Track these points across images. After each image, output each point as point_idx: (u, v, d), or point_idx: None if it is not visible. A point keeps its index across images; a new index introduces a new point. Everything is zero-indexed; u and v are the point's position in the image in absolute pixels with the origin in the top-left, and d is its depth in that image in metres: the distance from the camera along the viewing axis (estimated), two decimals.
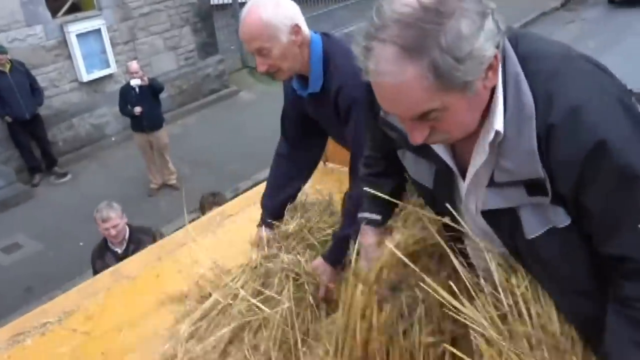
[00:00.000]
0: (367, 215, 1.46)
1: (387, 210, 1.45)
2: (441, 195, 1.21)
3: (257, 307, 1.86)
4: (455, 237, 1.26)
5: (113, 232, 3.73)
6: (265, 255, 2.09)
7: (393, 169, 1.38)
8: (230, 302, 1.96)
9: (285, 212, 2.23)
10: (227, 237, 2.51)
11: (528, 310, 1.13)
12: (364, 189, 1.43)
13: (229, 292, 2.01)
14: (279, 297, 1.87)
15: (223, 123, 8.47)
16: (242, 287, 1.98)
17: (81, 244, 5.51)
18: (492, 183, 1.06)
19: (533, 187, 1.01)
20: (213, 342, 1.84)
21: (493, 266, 1.16)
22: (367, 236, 1.44)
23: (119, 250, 3.79)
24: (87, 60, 7.59)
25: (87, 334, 2.05)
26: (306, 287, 1.91)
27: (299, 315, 1.87)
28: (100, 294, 2.23)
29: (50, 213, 6.58)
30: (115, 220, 3.73)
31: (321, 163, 3.04)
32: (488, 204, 1.10)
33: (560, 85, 0.97)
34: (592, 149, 0.93)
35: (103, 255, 3.81)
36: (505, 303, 1.14)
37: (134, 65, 6.38)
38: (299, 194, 2.29)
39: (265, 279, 1.99)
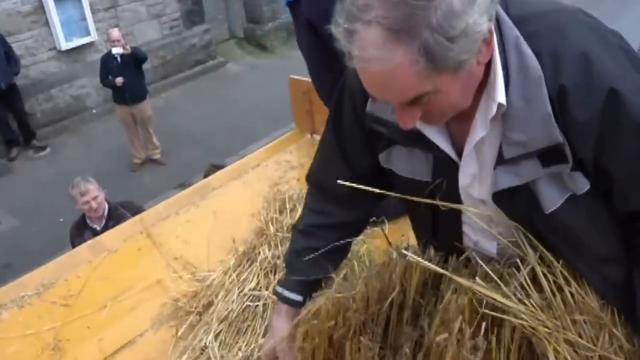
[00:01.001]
0: (285, 294, 1.38)
1: (311, 288, 1.36)
2: (443, 185, 1.14)
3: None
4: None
5: (94, 204, 3.73)
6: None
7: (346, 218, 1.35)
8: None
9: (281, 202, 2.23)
10: (210, 211, 2.54)
11: (560, 288, 1.09)
12: (295, 249, 1.39)
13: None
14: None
15: (209, 96, 8.44)
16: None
17: (61, 220, 5.52)
18: (500, 161, 1.02)
19: (548, 156, 0.98)
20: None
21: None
22: (281, 319, 1.38)
23: (98, 227, 3.80)
24: (66, 27, 7.50)
25: (69, 307, 2.09)
26: None
27: None
28: (80, 268, 2.26)
29: (29, 188, 6.58)
30: (94, 192, 3.74)
31: (308, 135, 3.08)
32: (499, 184, 1.04)
33: (563, 41, 0.95)
34: (606, 100, 0.91)
35: (82, 233, 3.82)
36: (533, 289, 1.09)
37: (115, 32, 6.32)
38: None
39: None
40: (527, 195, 1.04)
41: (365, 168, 1.26)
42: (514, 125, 0.98)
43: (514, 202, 1.06)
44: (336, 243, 1.33)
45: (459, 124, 1.05)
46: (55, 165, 7.03)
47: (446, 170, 1.12)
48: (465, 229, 1.21)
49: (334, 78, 2.27)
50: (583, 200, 1.02)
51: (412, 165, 1.16)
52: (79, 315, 2.04)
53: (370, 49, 0.85)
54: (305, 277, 1.35)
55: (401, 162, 1.18)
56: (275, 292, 1.41)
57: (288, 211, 2.21)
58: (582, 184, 1.01)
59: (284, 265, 1.41)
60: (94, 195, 3.72)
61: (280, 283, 1.42)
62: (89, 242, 2.38)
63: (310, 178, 1.42)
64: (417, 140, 1.09)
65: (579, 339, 1.06)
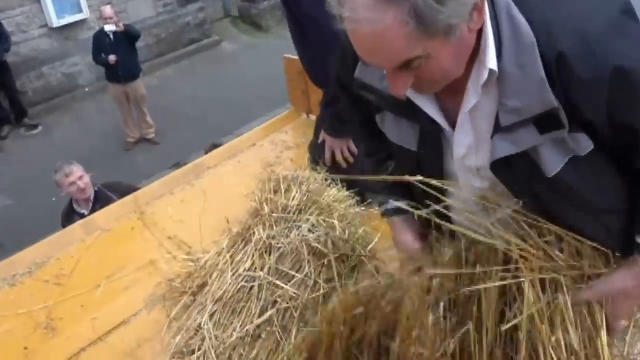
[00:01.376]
0: (392, 204, 1.34)
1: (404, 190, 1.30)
2: (428, 157, 1.16)
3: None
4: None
5: (81, 184, 3.66)
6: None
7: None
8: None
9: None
10: (205, 190, 2.54)
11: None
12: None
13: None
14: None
15: (204, 75, 8.39)
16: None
17: (53, 199, 5.50)
18: (497, 129, 1.03)
19: (544, 122, 0.99)
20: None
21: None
22: (402, 231, 1.35)
23: (86, 212, 3.70)
24: (57, 3, 7.42)
25: (61, 285, 2.09)
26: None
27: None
28: (72, 247, 2.26)
29: (21, 167, 6.55)
30: (78, 172, 3.68)
31: (304, 115, 3.07)
32: (497, 152, 1.05)
33: (557, 8, 0.96)
34: (614, 73, 0.92)
35: (71, 219, 3.73)
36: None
37: (107, 9, 6.26)
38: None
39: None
40: (526, 163, 1.04)
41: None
42: (509, 92, 0.99)
43: (513, 171, 1.07)
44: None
45: (451, 96, 1.06)
46: (47, 144, 7.00)
47: (432, 142, 1.13)
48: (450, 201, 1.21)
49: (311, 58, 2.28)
50: (586, 160, 1.03)
51: (400, 133, 1.18)
52: (72, 294, 2.05)
53: (360, 10, 0.87)
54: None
55: (391, 128, 1.20)
56: (383, 213, 1.38)
57: (282, 191, 2.20)
58: (585, 145, 1.02)
59: (374, 195, 1.41)
60: (79, 175, 3.67)
61: (380, 204, 1.40)
62: (81, 221, 2.38)
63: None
64: (404, 110, 1.10)
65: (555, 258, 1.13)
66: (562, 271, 1.14)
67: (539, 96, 0.96)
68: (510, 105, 0.99)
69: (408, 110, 1.10)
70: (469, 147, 1.10)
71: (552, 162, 1.03)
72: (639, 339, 1.82)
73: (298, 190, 2.19)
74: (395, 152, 1.25)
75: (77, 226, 2.36)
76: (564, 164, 1.03)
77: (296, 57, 2.85)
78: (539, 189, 1.08)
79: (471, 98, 1.02)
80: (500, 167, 1.07)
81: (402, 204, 1.25)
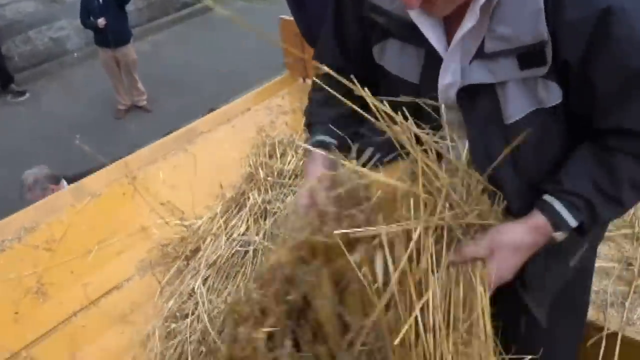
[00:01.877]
0: (318, 137, 1.29)
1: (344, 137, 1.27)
2: (427, 85, 1.14)
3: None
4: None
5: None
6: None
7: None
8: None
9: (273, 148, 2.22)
10: (198, 156, 2.54)
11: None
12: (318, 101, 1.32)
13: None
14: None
15: (197, 41, 8.29)
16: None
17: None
18: (479, 54, 1.04)
19: (527, 58, 1.00)
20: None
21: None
22: (315, 163, 1.26)
23: None
24: None
25: (52, 251, 2.10)
26: None
27: None
28: (62, 212, 2.26)
29: (9, 135, 6.51)
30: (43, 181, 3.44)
31: (300, 79, 3.05)
32: (470, 78, 1.06)
33: None
34: (602, 14, 0.94)
35: None
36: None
37: None
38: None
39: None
40: (490, 100, 1.06)
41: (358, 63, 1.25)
42: (503, 17, 0.99)
43: (476, 104, 1.08)
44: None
45: (456, 23, 1.05)
46: (36, 112, 6.95)
47: (435, 72, 1.12)
48: None
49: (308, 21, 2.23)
50: (547, 115, 1.06)
51: (402, 63, 1.17)
52: (63, 259, 2.05)
53: None
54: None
55: (393, 57, 1.18)
56: (307, 143, 1.31)
57: (278, 156, 2.20)
58: (554, 97, 1.04)
59: (307, 125, 1.35)
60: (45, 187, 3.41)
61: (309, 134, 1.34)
62: (71, 186, 2.37)
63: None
64: (411, 34, 1.10)
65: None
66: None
67: (532, 26, 0.97)
68: (499, 32, 1.00)
69: (415, 34, 1.09)
70: (454, 73, 1.10)
71: (515, 109, 1.05)
72: (639, 304, 1.85)
73: (294, 155, 2.19)
74: (392, 88, 1.20)
75: (66, 192, 2.36)
76: (526, 114, 1.05)
77: (292, 18, 2.82)
78: (492, 133, 1.09)
79: (468, 22, 1.02)
80: (466, 97, 1.09)
81: (328, 138, 1.27)
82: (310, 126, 1.35)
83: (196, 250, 1.93)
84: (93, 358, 1.70)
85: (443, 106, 1.12)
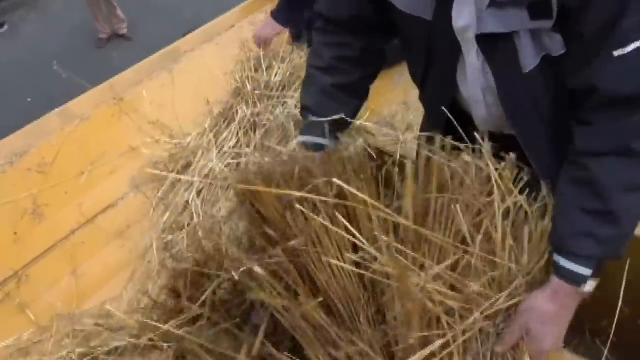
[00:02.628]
0: (314, 140, 1.29)
1: (337, 130, 1.29)
2: (441, 23, 1.11)
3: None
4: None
5: None
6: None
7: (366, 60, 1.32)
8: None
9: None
10: (184, 75, 2.52)
11: None
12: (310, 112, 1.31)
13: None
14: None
15: None
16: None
17: (29, 99, 5.44)
18: (492, 3, 1.02)
19: (537, 9, 0.99)
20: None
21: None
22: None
23: None
24: None
25: (45, 174, 2.11)
26: None
27: None
28: (52, 135, 2.26)
29: None
30: None
31: None
32: (486, 26, 1.05)
33: None
34: None
35: None
36: None
37: None
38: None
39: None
40: (509, 48, 1.06)
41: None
42: None
43: (496, 50, 1.08)
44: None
45: None
46: (16, 44, 6.78)
47: (448, 9, 1.09)
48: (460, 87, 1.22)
49: None
50: (556, 64, 1.05)
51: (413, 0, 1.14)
52: (56, 182, 2.08)
53: None
54: (335, 113, 1.29)
55: None
56: (300, 144, 1.32)
57: (264, 69, 2.19)
58: (559, 47, 1.04)
59: (302, 109, 1.35)
60: None
61: (302, 132, 1.34)
62: (57, 110, 2.36)
63: (319, 13, 1.35)
64: None
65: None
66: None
67: None
68: None
69: None
70: (470, 17, 1.07)
71: (530, 57, 1.06)
72: None
73: (280, 67, 2.18)
74: (403, 30, 1.23)
75: (53, 115, 2.34)
76: (539, 62, 1.06)
77: None
78: (515, 81, 1.09)
79: None
80: (486, 42, 1.08)
81: (324, 141, 1.27)
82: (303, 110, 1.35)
83: (188, 165, 1.95)
84: (93, 273, 1.75)
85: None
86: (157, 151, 2.10)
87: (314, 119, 1.30)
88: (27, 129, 2.29)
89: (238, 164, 1.90)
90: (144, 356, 1.38)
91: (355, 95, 1.35)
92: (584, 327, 1.69)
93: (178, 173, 1.92)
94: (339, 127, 1.30)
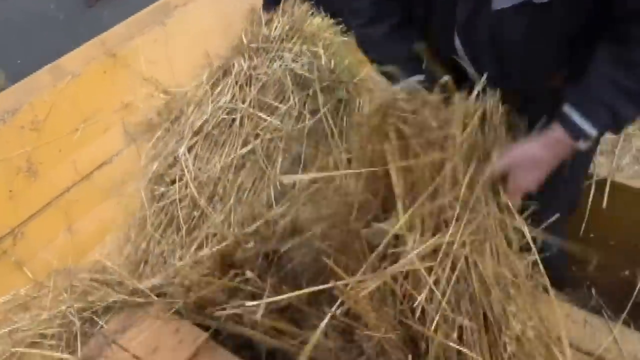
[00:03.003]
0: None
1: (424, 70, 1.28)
2: None
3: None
4: None
5: None
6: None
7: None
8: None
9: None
10: (178, 28, 2.46)
11: None
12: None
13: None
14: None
15: None
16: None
17: (18, 61, 5.35)
18: None
19: None
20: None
21: None
22: None
23: None
24: None
25: (38, 131, 2.08)
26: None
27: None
28: (44, 92, 2.21)
29: None
30: None
31: None
32: None
33: None
34: None
35: None
36: None
37: None
38: None
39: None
40: None
41: None
42: None
43: None
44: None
45: None
46: (5, 4, 6.64)
47: None
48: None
49: None
50: (537, 11, 1.04)
51: None
52: (50, 139, 2.05)
53: None
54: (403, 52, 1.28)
55: None
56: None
57: (263, 22, 2.13)
58: None
59: (382, 73, 1.33)
60: None
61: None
62: (48, 66, 2.30)
63: None
64: None
65: None
66: None
67: None
68: None
69: None
70: None
71: None
72: (628, 151, 1.88)
73: (279, 20, 2.12)
74: None
75: (44, 72, 2.29)
76: (515, 5, 1.04)
77: None
78: (480, 17, 1.08)
79: None
80: None
81: (414, 80, 1.24)
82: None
83: (181, 115, 1.91)
84: (88, 228, 1.74)
85: None
86: (152, 106, 2.07)
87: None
88: (18, 85, 2.24)
89: None
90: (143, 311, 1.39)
91: (411, 30, 1.31)
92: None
93: (171, 122, 1.89)
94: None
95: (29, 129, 2.09)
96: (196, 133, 1.86)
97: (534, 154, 1.11)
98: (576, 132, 1.07)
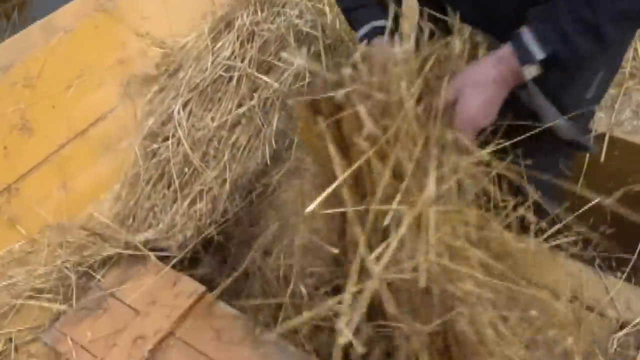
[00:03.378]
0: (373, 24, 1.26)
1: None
2: None
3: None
4: None
5: None
6: None
7: None
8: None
9: None
10: None
11: None
12: None
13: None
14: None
15: None
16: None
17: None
18: None
19: None
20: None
21: None
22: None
23: None
24: None
25: (31, 87, 2.05)
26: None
27: None
28: (35, 49, 2.17)
29: None
30: None
31: None
32: None
33: None
34: None
35: None
36: None
37: None
38: None
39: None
40: None
41: None
42: None
43: None
44: None
45: None
46: None
47: None
48: None
49: None
50: None
51: None
52: (44, 96, 2.02)
53: None
54: None
55: None
56: (361, 38, 1.28)
57: None
58: None
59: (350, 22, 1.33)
60: None
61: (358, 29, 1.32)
62: (39, 22, 2.25)
63: None
64: None
65: None
66: None
67: None
68: None
69: None
70: None
71: None
72: (628, 106, 1.86)
73: None
74: None
75: (35, 28, 2.24)
76: None
77: None
78: None
79: None
80: None
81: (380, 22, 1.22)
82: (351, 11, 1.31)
83: (178, 69, 1.88)
84: (84, 185, 1.73)
85: None
86: (147, 63, 2.03)
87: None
88: (9, 42, 2.19)
89: None
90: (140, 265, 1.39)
91: None
92: None
93: (169, 76, 1.86)
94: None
95: (22, 85, 2.05)
96: (192, 89, 1.83)
97: (479, 72, 1.06)
98: (523, 51, 1.04)
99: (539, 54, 1.03)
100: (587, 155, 1.74)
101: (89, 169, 1.76)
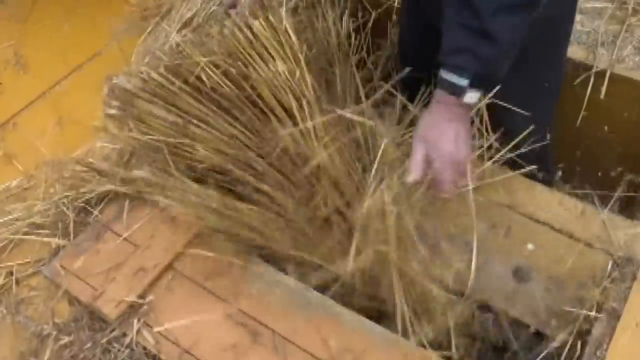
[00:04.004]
0: None
1: None
2: None
3: None
4: None
5: None
6: None
7: None
8: None
9: None
10: None
11: None
12: None
13: None
14: None
15: None
16: None
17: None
18: None
19: None
20: None
21: None
22: None
23: None
24: None
25: (24, 23, 2.01)
26: None
27: None
28: None
29: None
30: None
31: None
32: None
33: None
34: None
35: None
36: None
37: None
38: None
39: None
40: None
41: None
42: None
43: None
44: None
45: None
46: None
47: None
48: None
49: None
50: None
51: None
52: (37, 32, 1.97)
53: None
54: None
55: None
56: None
57: None
58: None
59: None
60: None
61: None
62: None
63: None
64: None
65: None
66: None
67: None
68: None
69: None
70: None
71: None
72: (630, 42, 1.80)
73: None
74: None
75: None
76: None
77: None
78: None
79: None
80: None
81: None
82: None
83: (172, 9, 1.81)
84: (79, 121, 1.69)
85: None
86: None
87: None
88: None
89: None
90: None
91: None
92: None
93: (162, 17, 1.79)
94: None
95: (14, 21, 2.00)
96: (185, 25, 1.77)
97: (430, 119, 1.07)
98: (451, 86, 1.03)
99: (463, 81, 1.02)
100: (588, 92, 1.70)
101: (84, 105, 1.71)
